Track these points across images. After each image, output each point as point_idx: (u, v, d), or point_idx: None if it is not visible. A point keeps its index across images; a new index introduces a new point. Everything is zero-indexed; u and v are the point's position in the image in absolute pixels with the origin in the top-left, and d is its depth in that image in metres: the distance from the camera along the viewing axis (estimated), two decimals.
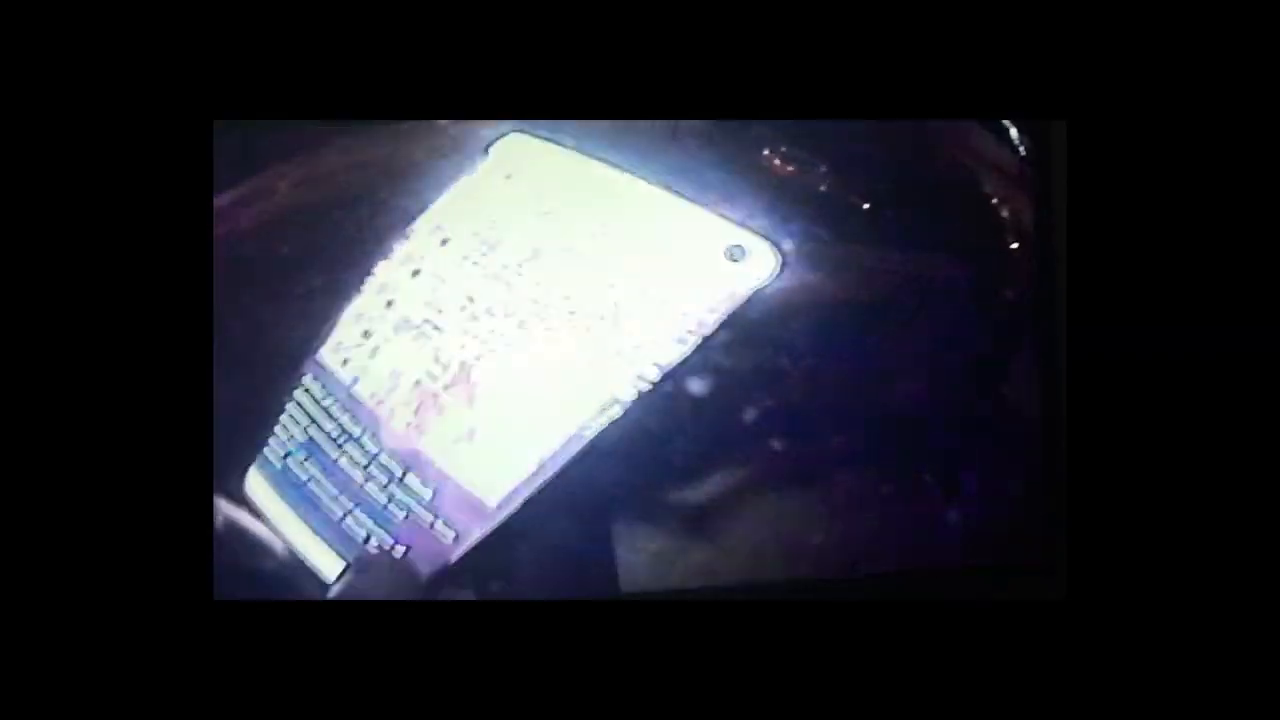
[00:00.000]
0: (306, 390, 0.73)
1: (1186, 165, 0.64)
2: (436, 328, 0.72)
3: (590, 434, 0.67)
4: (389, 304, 0.73)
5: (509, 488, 0.68)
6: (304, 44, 0.68)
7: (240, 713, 0.66)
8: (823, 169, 0.68)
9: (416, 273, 0.73)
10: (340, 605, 0.75)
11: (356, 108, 0.71)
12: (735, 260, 0.68)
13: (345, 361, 0.72)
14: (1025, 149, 0.72)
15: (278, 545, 0.74)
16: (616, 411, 0.67)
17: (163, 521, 0.62)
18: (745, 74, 0.70)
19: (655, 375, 0.67)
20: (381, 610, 0.73)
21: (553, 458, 0.67)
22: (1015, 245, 0.74)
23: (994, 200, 0.73)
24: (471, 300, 0.71)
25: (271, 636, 0.68)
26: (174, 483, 0.63)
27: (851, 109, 0.71)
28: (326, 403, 0.72)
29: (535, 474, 0.67)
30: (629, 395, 0.67)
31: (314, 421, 0.72)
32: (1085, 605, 0.66)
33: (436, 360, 0.71)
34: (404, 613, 0.73)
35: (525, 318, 0.70)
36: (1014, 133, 0.73)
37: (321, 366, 0.73)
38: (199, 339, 0.67)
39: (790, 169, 0.69)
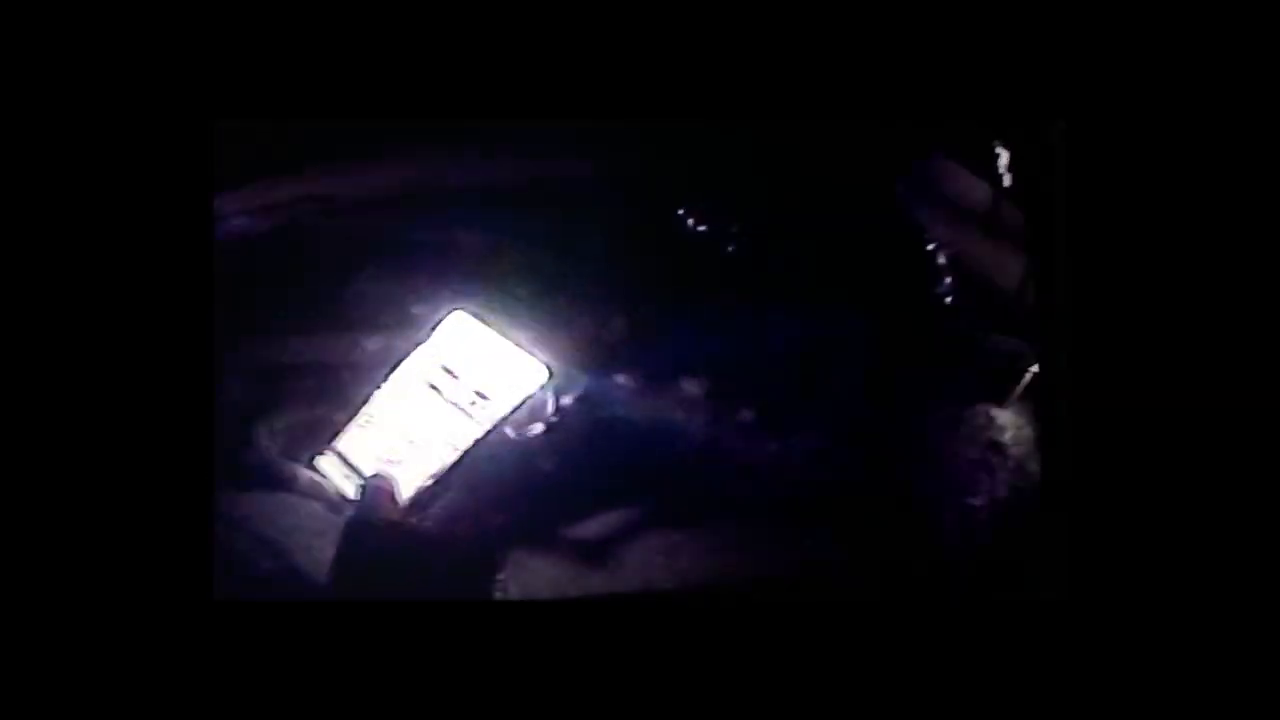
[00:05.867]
0: None
1: (1186, 165, 0.64)
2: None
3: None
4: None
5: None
6: (303, 46, 0.68)
7: (240, 713, 0.66)
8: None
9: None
10: (340, 605, 0.75)
11: (355, 109, 0.71)
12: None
13: None
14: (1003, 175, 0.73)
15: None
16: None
17: (163, 521, 0.62)
18: (745, 74, 0.70)
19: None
20: (381, 610, 0.73)
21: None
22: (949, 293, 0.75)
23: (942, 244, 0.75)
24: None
25: (271, 636, 0.68)
26: (174, 482, 0.63)
27: (851, 109, 0.71)
28: None
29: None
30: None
31: None
32: (1085, 605, 0.65)
33: None
34: (404, 613, 0.73)
35: None
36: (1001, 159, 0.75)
37: None
38: (199, 339, 0.67)
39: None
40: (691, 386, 0.71)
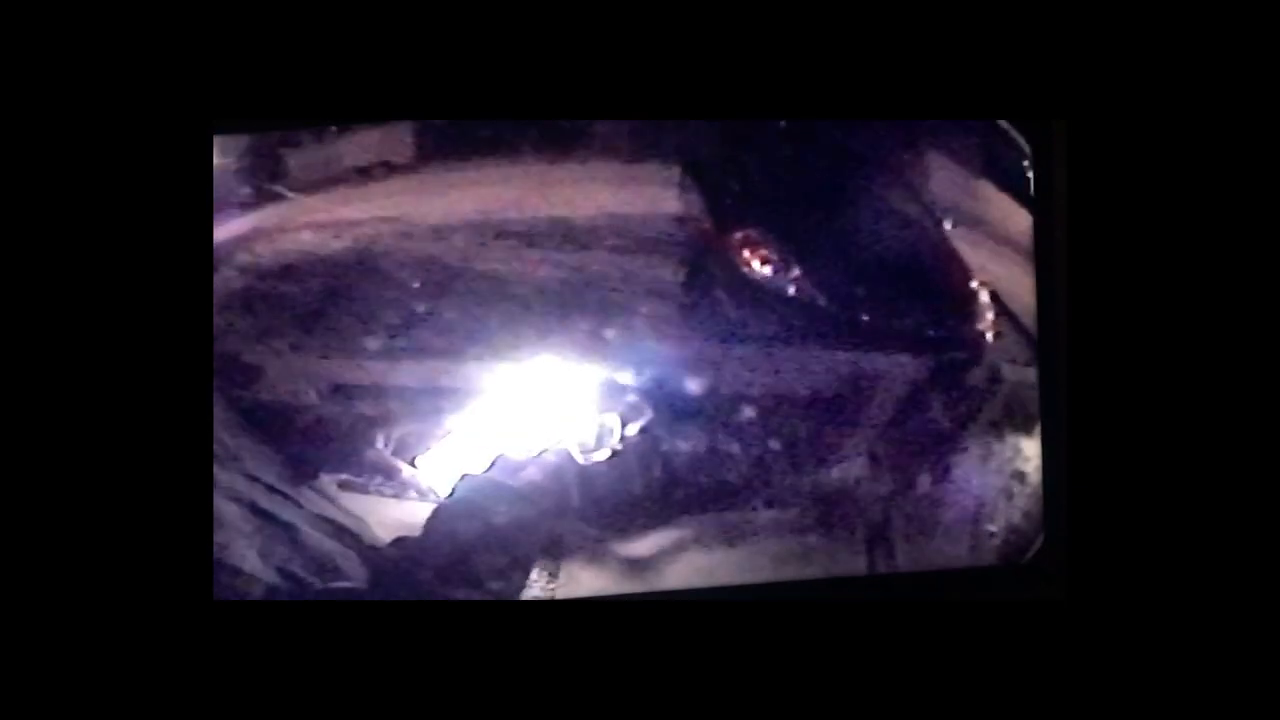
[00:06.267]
0: None
1: (1187, 164, 0.64)
2: None
3: None
4: None
5: None
6: (302, 53, 0.68)
7: (240, 713, 0.66)
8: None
9: None
10: (340, 605, 0.75)
11: (354, 111, 0.71)
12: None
13: None
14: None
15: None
16: None
17: (163, 522, 0.62)
18: (744, 74, 0.70)
19: None
20: (381, 610, 0.73)
21: None
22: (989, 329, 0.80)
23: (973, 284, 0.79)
24: None
25: (271, 636, 0.68)
26: (174, 484, 0.63)
27: (852, 109, 0.71)
28: None
29: None
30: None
31: None
32: (1085, 605, 0.66)
33: None
34: (403, 613, 0.73)
35: None
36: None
37: None
38: (200, 341, 0.67)
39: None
40: (744, 415, 0.77)
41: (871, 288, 0.75)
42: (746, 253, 0.76)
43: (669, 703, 0.70)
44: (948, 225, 0.76)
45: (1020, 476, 0.79)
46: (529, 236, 0.77)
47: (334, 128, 0.78)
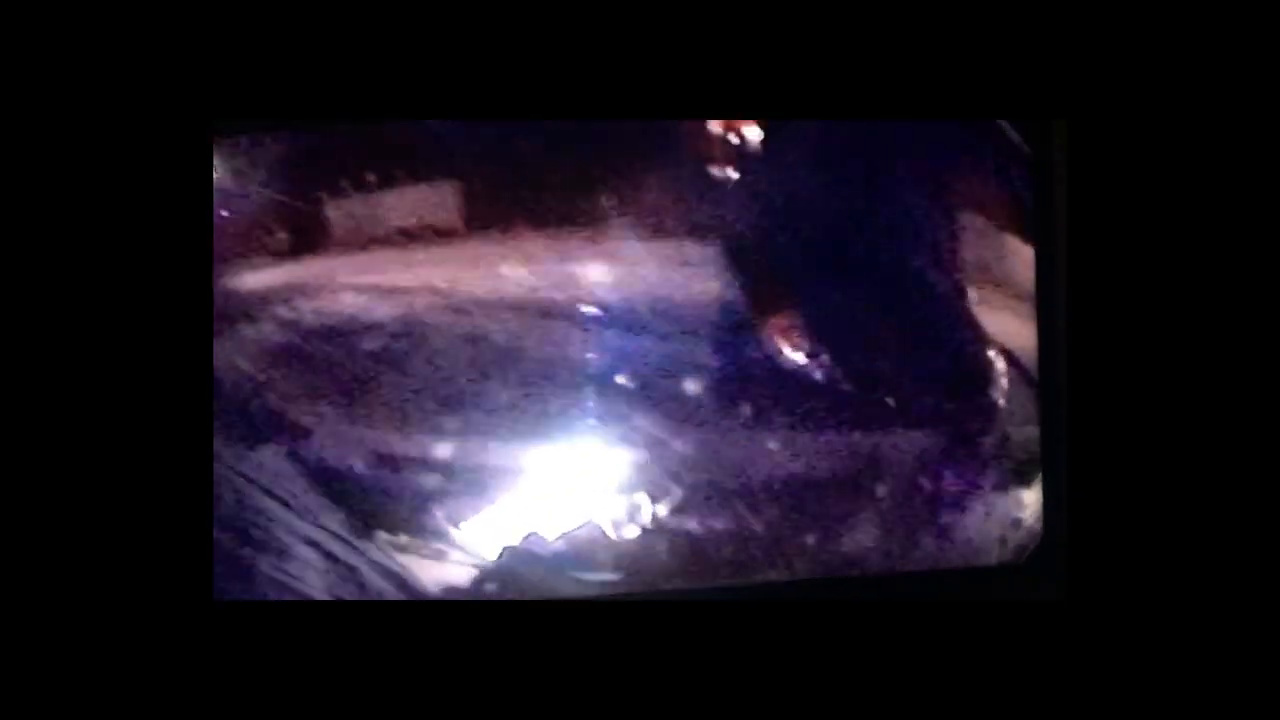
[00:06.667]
0: None
1: (1187, 164, 0.64)
2: None
3: None
4: None
5: None
6: (301, 52, 0.68)
7: (240, 713, 0.66)
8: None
9: None
10: (340, 605, 0.75)
11: (353, 111, 0.71)
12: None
13: None
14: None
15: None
16: None
17: (163, 522, 0.62)
18: (744, 74, 0.70)
19: None
20: (381, 610, 0.73)
21: None
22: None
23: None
24: None
25: (271, 636, 0.68)
26: (174, 483, 0.63)
27: (851, 109, 0.71)
28: None
29: None
30: None
31: None
32: (1085, 605, 0.66)
33: None
34: (403, 613, 0.73)
35: None
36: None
37: None
38: (199, 341, 0.67)
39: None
40: (768, 496, 0.79)
41: (895, 366, 0.78)
42: (779, 338, 0.78)
43: (669, 703, 0.70)
44: (972, 294, 0.78)
45: (1017, 523, 0.81)
46: (578, 318, 0.80)
47: (374, 178, 0.79)
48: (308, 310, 0.79)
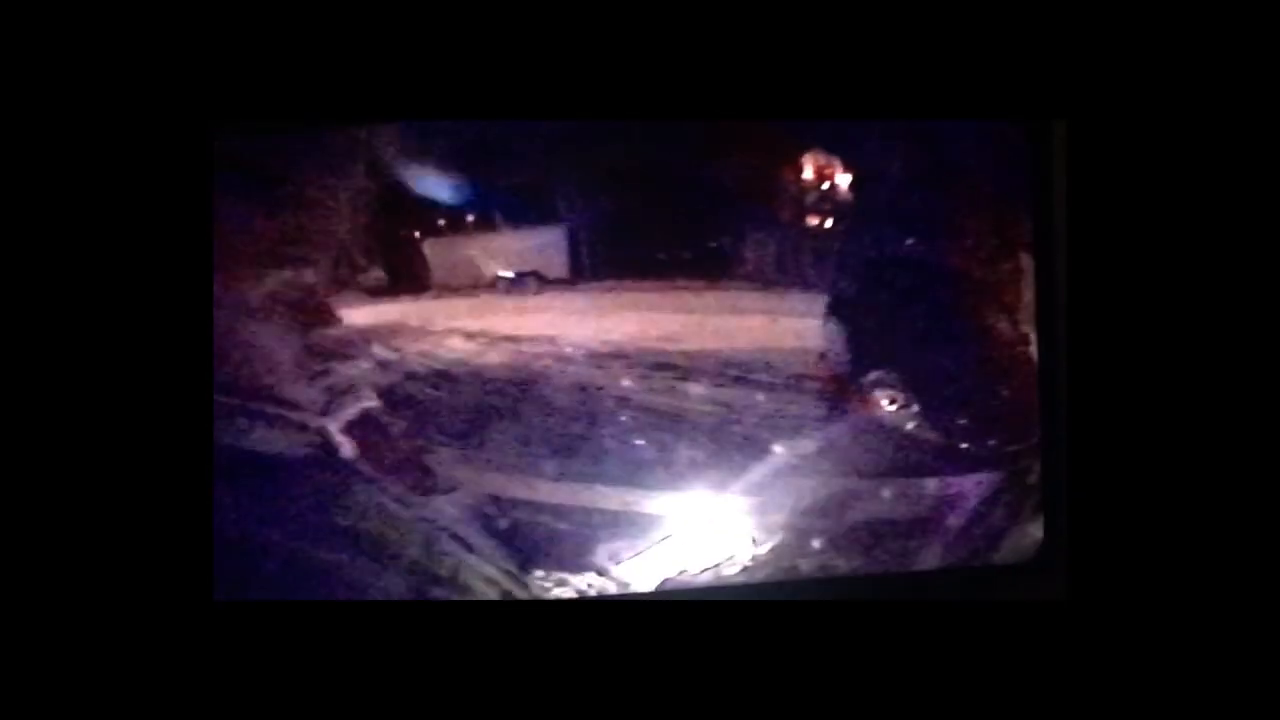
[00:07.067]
0: None
1: (1186, 164, 0.64)
2: None
3: None
4: None
5: None
6: (300, 52, 0.68)
7: (240, 713, 0.66)
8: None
9: None
10: (340, 605, 0.75)
11: (353, 111, 0.71)
12: None
13: None
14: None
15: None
16: None
17: (163, 522, 0.62)
18: (745, 74, 0.70)
19: None
20: (381, 610, 0.73)
21: None
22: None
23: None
24: None
25: (271, 636, 0.68)
26: (174, 484, 0.63)
27: (852, 109, 0.71)
28: None
29: None
30: None
31: None
32: (1085, 605, 0.66)
33: None
34: (403, 613, 0.73)
35: None
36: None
37: None
38: (199, 341, 0.67)
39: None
40: (855, 540, 0.82)
41: (972, 415, 0.81)
42: (878, 392, 0.81)
43: (669, 703, 0.70)
44: (1032, 338, 0.80)
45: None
46: (688, 371, 0.81)
47: (471, 219, 0.80)
48: (412, 353, 0.80)
